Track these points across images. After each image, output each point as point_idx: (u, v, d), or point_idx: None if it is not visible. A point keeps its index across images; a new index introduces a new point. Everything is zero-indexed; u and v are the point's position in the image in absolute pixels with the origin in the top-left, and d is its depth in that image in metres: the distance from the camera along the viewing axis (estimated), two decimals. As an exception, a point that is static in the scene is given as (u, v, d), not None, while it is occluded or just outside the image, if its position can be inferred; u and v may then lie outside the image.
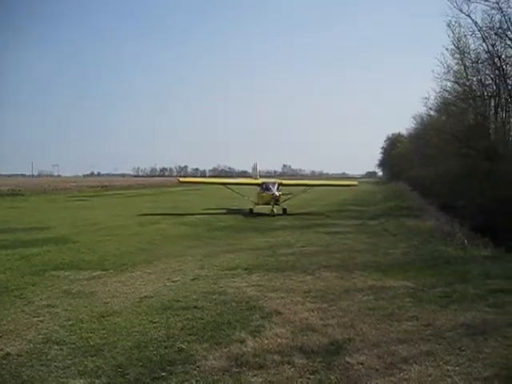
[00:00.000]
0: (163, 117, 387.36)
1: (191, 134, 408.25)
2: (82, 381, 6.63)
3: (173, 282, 12.49)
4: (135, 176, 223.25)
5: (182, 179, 46.52)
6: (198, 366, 7.05)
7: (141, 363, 7.17)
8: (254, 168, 44.17)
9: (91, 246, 18.62)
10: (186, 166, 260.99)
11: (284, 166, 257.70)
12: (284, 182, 38.49)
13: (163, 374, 6.81)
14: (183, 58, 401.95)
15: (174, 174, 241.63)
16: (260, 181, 36.59)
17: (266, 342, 8.00)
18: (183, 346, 7.81)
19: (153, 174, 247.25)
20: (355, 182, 43.74)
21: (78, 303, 10.53)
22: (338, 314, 9.46)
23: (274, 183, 34.44)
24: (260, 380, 6.61)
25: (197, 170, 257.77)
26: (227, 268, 14.07)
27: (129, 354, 7.55)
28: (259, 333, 8.41)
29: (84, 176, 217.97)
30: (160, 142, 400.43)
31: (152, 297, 10.96)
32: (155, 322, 9.06)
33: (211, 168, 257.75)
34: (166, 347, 7.80)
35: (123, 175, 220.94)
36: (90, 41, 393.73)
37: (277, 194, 32.22)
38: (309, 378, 6.65)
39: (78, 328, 8.80)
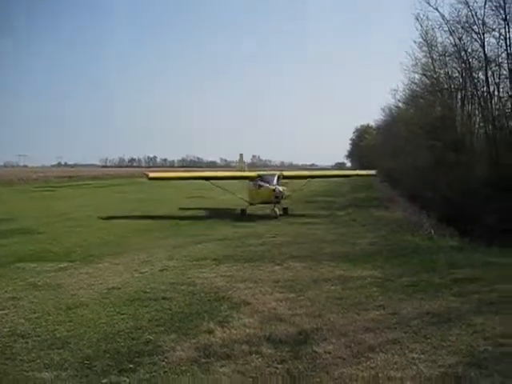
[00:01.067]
0: (131, 107, 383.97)
1: (158, 124, 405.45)
2: (47, 374, 6.55)
3: (141, 273, 12.41)
4: (103, 166, 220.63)
5: (152, 175, 30.72)
6: (165, 357, 7.03)
7: (108, 355, 7.12)
8: (240, 159, 37.09)
9: (58, 238, 18.44)
10: (154, 157, 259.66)
11: (253, 156, 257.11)
12: (286, 173, 31.47)
13: (131, 365, 6.76)
14: (158, 50, 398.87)
15: (143, 164, 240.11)
16: (254, 173, 29.62)
17: (235, 332, 8.00)
18: (151, 338, 7.76)
19: (121, 164, 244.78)
20: (373, 172, 38.10)
21: (43, 295, 10.39)
22: (306, 303, 9.51)
23: (273, 175, 28.05)
24: (228, 370, 6.61)
25: (165, 160, 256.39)
26: (196, 259, 14.03)
27: (96, 346, 7.49)
28: (227, 323, 8.40)
29: (52, 166, 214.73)
30: (129, 132, 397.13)
31: (120, 288, 10.88)
32: (123, 314, 8.99)
33: (180, 158, 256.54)
34: (133, 339, 7.74)
35: (91, 166, 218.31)
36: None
37: (279, 188, 25.78)
38: (277, 368, 6.67)
39: (44, 320, 8.69)
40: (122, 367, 6.71)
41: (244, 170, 34.15)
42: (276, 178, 27.17)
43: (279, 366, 6.73)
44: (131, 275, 12.18)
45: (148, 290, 10.57)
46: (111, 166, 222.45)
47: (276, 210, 25.64)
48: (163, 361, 6.93)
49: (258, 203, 27.12)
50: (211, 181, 29.85)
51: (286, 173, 31.37)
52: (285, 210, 27.22)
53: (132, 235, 19.58)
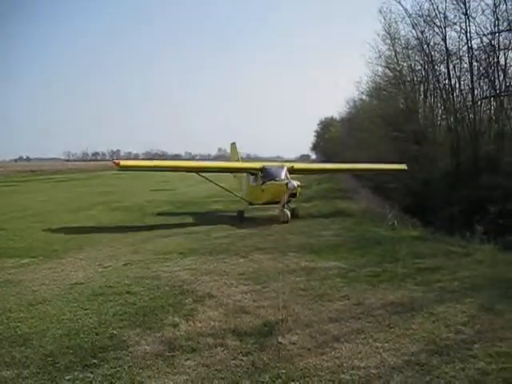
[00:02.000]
0: (94, 100, 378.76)
1: (123, 117, 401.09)
2: (9, 372, 6.44)
3: (105, 267, 12.29)
4: (67, 160, 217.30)
5: (123, 162, 23.65)
6: (130, 352, 6.98)
7: (71, 351, 7.03)
8: (233, 149, 29.83)
9: (20, 233, 18.14)
10: (118, 150, 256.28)
11: (219, 149, 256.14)
12: (297, 165, 25.48)
13: (95, 361, 6.69)
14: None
15: (107, 157, 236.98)
16: (256, 164, 23.88)
17: (199, 325, 7.99)
18: (115, 332, 7.70)
19: (84, 158, 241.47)
20: (403, 166, 26.18)
21: (5, 292, 10.22)
22: (271, 295, 9.54)
23: (280, 167, 22.51)
24: (193, 363, 6.60)
25: (130, 153, 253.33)
26: (161, 252, 13.94)
27: (59, 342, 7.39)
28: (192, 316, 8.39)
29: (13, 161, 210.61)
30: (92, 125, 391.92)
31: (83, 283, 10.75)
32: (86, 309, 8.88)
33: (144, 152, 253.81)
34: (97, 334, 7.66)
35: (55, 160, 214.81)
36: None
37: (294, 183, 20.22)
38: (242, 360, 6.68)
39: (6, 317, 8.54)
40: (86, 363, 6.63)
41: (238, 161, 28.27)
42: (285, 171, 21.77)
43: (244, 358, 6.75)
44: (95, 270, 12.05)
45: (112, 285, 10.47)
46: (75, 160, 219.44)
47: (287, 211, 20.31)
48: (128, 355, 6.88)
49: (261, 203, 21.89)
50: (201, 173, 23.09)
51: (297, 165, 25.48)
52: (293, 211, 21.41)
53: (96, 229, 19.33)
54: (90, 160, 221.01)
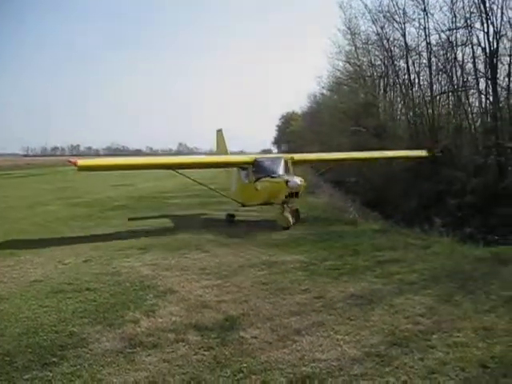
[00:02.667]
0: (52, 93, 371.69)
1: (83, 111, 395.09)
2: (-35, 372, 6.28)
3: (64, 264, 12.08)
4: (25, 156, 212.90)
5: (81, 162, 16.87)
6: (90, 349, 6.90)
7: (30, 350, 6.90)
8: (220, 138, 24.58)
9: (-25, 230, 17.64)
10: (78, 145, 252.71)
11: (180, 144, 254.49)
12: (298, 156, 21.17)
13: (54, 359, 6.59)
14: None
15: (66, 153, 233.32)
16: (247, 157, 19.72)
17: (160, 320, 7.94)
18: (75, 330, 7.59)
19: (44, 153, 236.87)
20: (424, 153, 22.65)
21: (-39, 291, 9.95)
22: (233, 289, 9.55)
23: (277, 159, 18.97)
24: (154, 359, 6.56)
25: (90, 148, 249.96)
26: (121, 248, 13.76)
27: (17, 341, 7.24)
28: (153, 312, 8.32)
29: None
30: (51, 119, 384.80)
31: (42, 281, 10.55)
32: (45, 307, 8.73)
33: (105, 147, 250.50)
34: (56, 332, 7.54)
35: (12, 155, 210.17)
36: None
37: (296, 181, 16.55)
38: (203, 355, 6.66)
39: (-38, 317, 8.32)
40: (45, 361, 6.53)
41: (227, 154, 23.85)
42: (283, 165, 18.25)
43: (206, 352, 6.73)
44: (54, 267, 11.83)
45: (72, 282, 10.29)
46: (34, 156, 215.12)
47: (288, 215, 16.82)
48: (88, 353, 6.79)
49: (256, 203, 18.39)
50: (178, 170, 18.60)
51: (297, 156, 21.08)
52: (295, 212, 17.82)
53: (55, 225, 19.00)
54: (50, 155, 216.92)
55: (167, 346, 6.96)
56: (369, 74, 36.84)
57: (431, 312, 8.09)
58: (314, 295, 9.10)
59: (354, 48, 37.83)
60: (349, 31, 37.47)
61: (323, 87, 52.03)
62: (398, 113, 34.70)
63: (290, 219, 16.79)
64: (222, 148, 24.12)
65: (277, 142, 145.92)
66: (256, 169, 18.19)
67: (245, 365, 6.32)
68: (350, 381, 5.87)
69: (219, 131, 24.66)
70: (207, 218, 20.44)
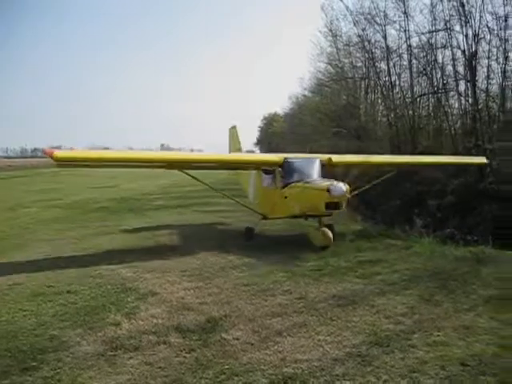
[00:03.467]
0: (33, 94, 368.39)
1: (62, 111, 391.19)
2: None
3: (44, 266, 11.95)
4: (5, 157, 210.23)
5: (58, 154, 12.39)
6: (71, 353, 6.85)
7: (9, 354, 6.83)
8: (233, 136, 22.81)
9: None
10: (59, 146, 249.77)
11: (162, 145, 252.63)
12: (336, 158, 16.20)
13: (34, 363, 6.53)
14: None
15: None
16: (276, 157, 15.59)
17: (142, 323, 7.91)
18: (55, 333, 7.54)
19: (24, 155, 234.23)
20: (483, 160, 18.80)
21: None
22: (215, 291, 9.55)
23: (312, 161, 15.20)
24: (136, 362, 6.54)
25: (71, 149, 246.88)
26: (102, 250, 13.69)
27: (-4, 345, 7.15)
28: (135, 314, 8.30)
29: None
30: (32, 121, 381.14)
31: (22, 283, 10.44)
32: (25, 310, 8.65)
33: (86, 147, 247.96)
34: (36, 335, 7.48)
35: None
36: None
37: (342, 188, 13.02)
38: (185, 357, 6.66)
39: None
40: (25, 366, 6.47)
41: (239, 151, 21.72)
42: (319, 167, 14.80)
43: (188, 355, 6.73)
44: (34, 269, 11.69)
45: (52, 284, 10.22)
46: (14, 157, 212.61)
47: (327, 231, 13.60)
48: (68, 356, 6.74)
49: (283, 216, 14.93)
50: (186, 170, 14.96)
51: (336, 157, 16.24)
52: (330, 227, 14.28)
53: (35, 227, 18.81)
54: (31, 157, 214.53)
55: (149, 349, 6.93)
56: (350, 75, 36.99)
57: (412, 312, 8.17)
58: (295, 296, 9.14)
59: (335, 50, 38.00)
60: (330, 33, 37.65)
61: (305, 89, 52.19)
62: (379, 114, 34.91)
63: (331, 235, 13.44)
64: (235, 147, 21.88)
65: (259, 142, 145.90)
66: (285, 171, 14.52)
67: (227, 366, 6.32)
68: (332, 381, 5.90)
69: (233, 128, 22.85)
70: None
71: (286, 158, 14.90)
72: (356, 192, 13.33)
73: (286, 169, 14.59)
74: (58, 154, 12.56)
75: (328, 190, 12.85)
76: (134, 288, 9.85)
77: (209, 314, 8.20)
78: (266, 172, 15.58)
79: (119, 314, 8.33)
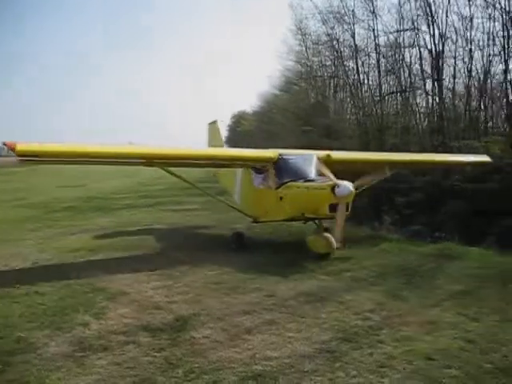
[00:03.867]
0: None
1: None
2: None
3: (11, 267, 11.78)
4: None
5: (22, 147, 10.79)
6: (39, 354, 6.75)
7: (-26, 357, 6.70)
8: (214, 131, 21.22)
9: None
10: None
11: (130, 143, 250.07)
12: (336, 154, 14.46)
13: None
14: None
15: (3, 153, 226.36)
16: (269, 152, 13.88)
17: (111, 323, 7.85)
18: (22, 335, 7.40)
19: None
20: (487, 158, 17.51)
21: None
22: (184, 290, 9.53)
23: (308, 157, 13.65)
24: (105, 362, 6.48)
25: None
26: (70, 250, 13.52)
27: (-40, 348, 7.01)
28: (103, 314, 8.23)
29: None
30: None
31: (-13, 285, 10.26)
32: (-10, 312, 8.49)
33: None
34: (2, 337, 7.35)
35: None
36: None
37: (348, 187, 11.65)
38: (155, 356, 6.63)
39: None
40: (-10, 369, 6.34)
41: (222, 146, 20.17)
42: (316, 165, 13.16)
43: (157, 354, 6.70)
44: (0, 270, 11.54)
45: (19, 285, 10.01)
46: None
47: (329, 236, 12.08)
48: (36, 358, 6.64)
49: (278, 219, 13.80)
50: (167, 167, 13.59)
51: (336, 154, 14.47)
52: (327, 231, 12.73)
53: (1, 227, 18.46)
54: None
55: (118, 349, 6.88)
56: (319, 74, 37.15)
57: (380, 308, 8.29)
58: (265, 294, 9.18)
59: (304, 48, 38.11)
60: (299, 31, 37.74)
61: (274, 87, 52.21)
62: (348, 112, 35.14)
63: (333, 241, 11.87)
64: (216, 144, 20.25)
65: (228, 141, 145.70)
66: (280, 169, 13.14)
67: (196, 365, 6.31)
68: (302, 377, 5.93)
69: (213, 123, 21.19)
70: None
71: (280, 155, 13.47)
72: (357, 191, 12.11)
73: (281, 166, 13.14)
74: (22, 147, 10.97)
75: (333, 190, 11.61)
76: (102, 288, 9.75)
77: (178, 313, 8.18)
78: (257, 170, 14.07)
79: (88, 314, 8.25)
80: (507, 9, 20.87)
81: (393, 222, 16.78)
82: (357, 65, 31.58)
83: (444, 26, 24.33)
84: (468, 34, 23.54)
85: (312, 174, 12.91)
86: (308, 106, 36.87)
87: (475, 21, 23.31)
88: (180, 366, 6.29)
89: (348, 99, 35.37)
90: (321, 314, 8.07)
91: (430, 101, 26.81)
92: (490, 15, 22.10)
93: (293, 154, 13.91)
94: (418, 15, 25.87)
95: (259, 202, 13.87)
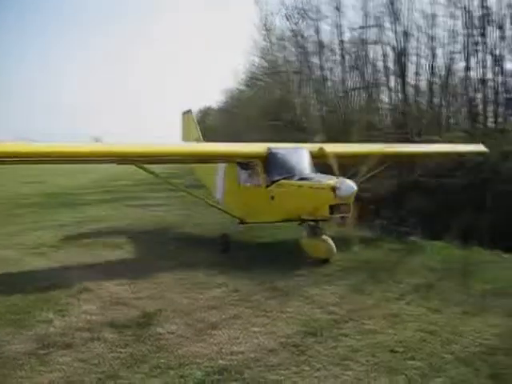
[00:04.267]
0: None
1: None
2: None
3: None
4: None
5: None
6: (1, 352, 6.67)
7: None
8: (189, 121, 19.73)
9: None
10: None
11: (95, 139, 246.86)
12: (330, 147, 12.37)
13: (-40, 366, 6.30)
14: None
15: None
16: (257, 147, 12.78)
17: (75, 320, 7.79)
18: (-17, 334, 7.29)
19: None
20: (482, 148, 16.90)
21: None
22: (149, 286, 9.50)
23: (299, 151, 12.68)
24: (69, 359, 6.42)
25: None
26: (33, 247, 13.35)
27: None
28: (67, 311, 8.16)
29: None
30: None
31: None
32: (-50, 311, 8.32)
33: (11, 139, 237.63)
34: (-36, 336, 7.21)
35: None
36: None
37: (352, 186, 10.63)
38: (120, 352, 6.60)
39: None
40: (-49, 369, 6.22)
41: (199, 140, 18.32)
42: (309, 159, 12.35)
43: (122, 350, 6.68)
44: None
45: (-21, 283, 9.89)
46: None
47: (329, 241, 11.27)
48: (-2, 356, 6.54)
49: (269, 220, 12.43)
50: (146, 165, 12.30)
51: (331, 147, 12.58)
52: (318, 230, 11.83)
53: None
54: None
55: (82, 345, 6.83)
56: (284, 69, 37.23)
57: (344, 302, 8.41)
58: (230, 289, 9.21)
59: (269, 44, 38.17)
60: (264, 27, 37.77)
61: (239, 82, 52.19)
62: (313, 108, 35.28)
63: (333, 245, 11.17)
64: (192, 136, 18.63)
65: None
66: (270, 165, 12.03)
67: (162, 360, 6.32)
68: (267, 371, 5.98)
69: (187, 113, 19.64)
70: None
71: (270, 149, 12.27)
72: None
73: (272, 162, 12.02)
74: None
75: (334, 189, 10.50)
76: (65, 285, 9.64)
77: (143, 309, 8.15)
78: (243, 165, 12.90)
79: (51, 311, 8.15)
80: (468, 7, 21.24)
81: (358, 217, 16.90)
82: (321, 61, 31.73)
83: (407, 24, 24.65)
84: (430, 31, 23.90)
85: (306, 169, 11.91)
86: (273, 102, 36.91)
87: (437, 19, 23.70)
88: (146, 362, 6.28)
89: (312, 95, 35.53)
90: (286, 308, 8.14)
91: (394, 97, 27.12)
92: (451, 13, 22.46)
93: (283, 148, 12.76)
94: (381, 12, 26.14)
95: (246, 202, 12.74)
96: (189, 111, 19.62)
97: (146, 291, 9.15)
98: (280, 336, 7.02)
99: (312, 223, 11.64)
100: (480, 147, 16.90)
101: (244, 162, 12.70)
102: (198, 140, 17.98)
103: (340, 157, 12.28)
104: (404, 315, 7.77)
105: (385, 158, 14.01)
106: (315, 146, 12.61)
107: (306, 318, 7.70)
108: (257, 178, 12.26)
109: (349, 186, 10.51)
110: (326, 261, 11.03)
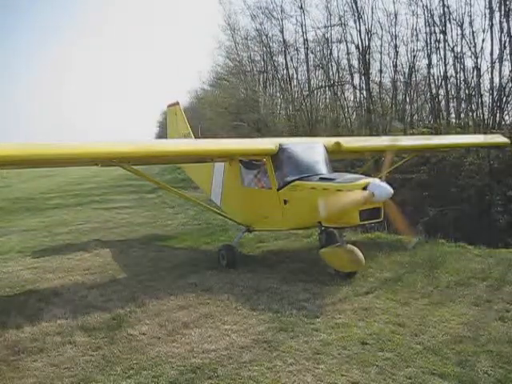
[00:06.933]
0: None
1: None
2: None
3: None
4: None
5: None
6: (-30, 361, 6.54)
7: None
8: (176, 115, 17.61)
9: None
10: None
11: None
12: (347, 142, 12.08)
13: None
14: None
15: None
16: (264, 143, 11.20)
17: (45, 324, 7.71)
18: (-48, 341, 7.16)
19: None
20: (504, 139, 15.06)
21: None
22: (119, 288, 9.44)
23: (315, 147, 11.07)
24: (40, 364, 6.39)
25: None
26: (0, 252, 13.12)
27: None
28: (37, 316, 8.06)
29: None
30: None
31: None
32: None
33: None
34: None
35: None
36: None
37: (387, 188, 8.98)
38: (92, 355, 6.59)
39: None
40: None
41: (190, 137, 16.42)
42: (326, 156, 10.89)
43: (94, 353, 6.66)
44: None
45: None
46: None
47: (354, 248, 9.77)
48: (-33, 364, 6.44)
49: (284, 228, 11.24)
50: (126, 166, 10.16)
51: (347, 141, 12.26)
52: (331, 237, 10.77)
53: None
54: None
55: (54, 350, 6.79)
56: (249, 69, 37.28)
57: (314, 297, 8.49)
58: (200, 288, 9.22)
59: (233, 43, 38.18)
60: (228, 27, 37.78)
61: (204, 82, 52.14)
62: (278, 107, 35.43)
63: (361, 256, 9.60)
64: (181, 132, 16.82)
65: (158, 138, 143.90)
66: (282, 164, 10.53)
67: (135, 361, 6.32)
68: (240, 368, 6.04)
69: (174, 106, 17.84)
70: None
71: (281, 145, 10.71)
72: None
73: (284, 160, 10.52)
74: None
75: (369, 192, 8.91)
76: (35, 290, 9.56)
77: (114, 311, 8.11)
78: (247, 164, 11.49)
79: (21, 316, 8.04)
80: (429, 6, 21.59)
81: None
82: (286, 60, 31.87)
83: (370, 22, 24.93)
84: (393, 29, 24.20)
85: (324, 168, 10.45)
86: (238, 102, 36.92)
87: (399, 17, 24.03)
88: (118, 364, 6.27)
89: (278, 94, 35.68)
90: (256, 305, 8.21)
91: (358, 95, 27.42)
92: (413, 12, 22.78)
93: (296, 144, 11.22)
94: (345, 11, 26.36)
95: (252, 207, 11.30)
96: (176, 103, 17.78)
97: (116, 294, 9.08)
98: (252, 333, 7.10)
99: (334, 230, 10.43)
100: (500, 138, 15.50)
101: (248, 161, 11.36)
102: (187, 136, 16.30)
103: (357, 152, 12.74)
104: (373, 308, 7.92)
105: (407, 152, 13.67)
106: (331, 141, 11.64)
107: (276, 314, 7.75)
108: (265, 178, 10.84)
109: (384, 188, 9.03)
110: (351, 274, 9.61)
